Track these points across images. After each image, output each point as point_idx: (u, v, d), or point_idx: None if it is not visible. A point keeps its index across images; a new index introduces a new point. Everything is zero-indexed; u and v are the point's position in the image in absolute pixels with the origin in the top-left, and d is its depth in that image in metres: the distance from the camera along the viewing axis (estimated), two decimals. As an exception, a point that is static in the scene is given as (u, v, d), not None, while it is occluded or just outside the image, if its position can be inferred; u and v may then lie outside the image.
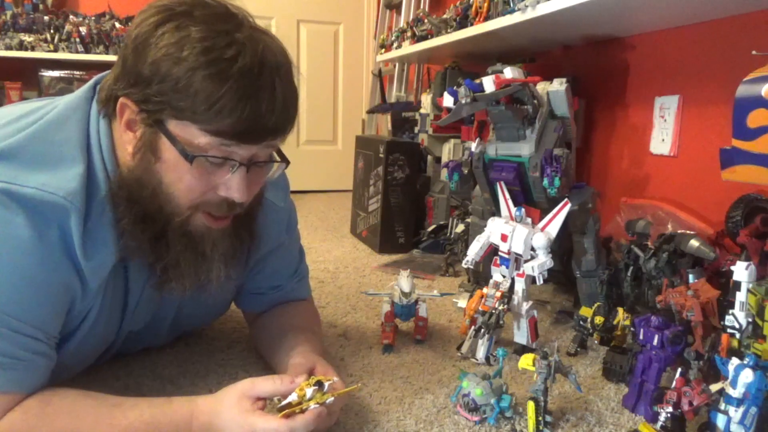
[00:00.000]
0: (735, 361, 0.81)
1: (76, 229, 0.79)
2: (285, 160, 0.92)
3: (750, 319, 0.91)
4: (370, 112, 3.39)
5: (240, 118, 0.77)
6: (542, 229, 1.23)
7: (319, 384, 0.81)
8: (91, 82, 0.91)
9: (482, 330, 1.18)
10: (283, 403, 0.81)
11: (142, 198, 0.83)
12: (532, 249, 1.21)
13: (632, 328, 1.12)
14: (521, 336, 1.24)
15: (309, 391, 0.80)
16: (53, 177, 0.79)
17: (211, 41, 0.76)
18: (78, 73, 3.28)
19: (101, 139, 0.85)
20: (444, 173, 2.13)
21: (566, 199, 1.23)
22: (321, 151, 3.84)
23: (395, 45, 2.64)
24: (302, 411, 0.80)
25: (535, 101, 1.36)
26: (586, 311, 1.25)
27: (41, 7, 3.32)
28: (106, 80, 0.86)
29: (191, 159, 0.79)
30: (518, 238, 1.21)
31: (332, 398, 0.82)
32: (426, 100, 2.43)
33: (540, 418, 0.92)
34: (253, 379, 0.84)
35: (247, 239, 0.96)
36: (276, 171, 0.92)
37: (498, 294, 1.21)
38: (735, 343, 0.93)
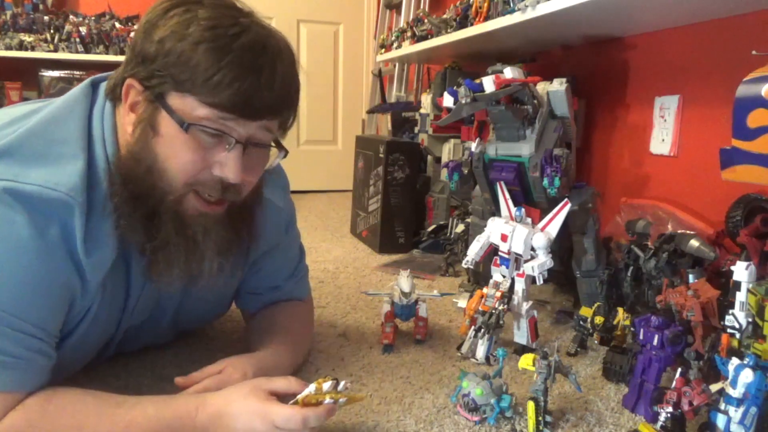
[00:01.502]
0: (735, 361, 0.81)
1: (79, 225, 0.79)
2: (284, 150, 0.92)
3: (750, 319, 0.91)
4: (370, 112, 3.39)
5: (238, 91, 0.79)
6: (542, 229, 1.23)
7: (336, 381, 0.83)
8: (88, 80, 0.92)
9: (482, 330, 1.18)
10: (302, 394, 0.82)
11: (137, 175, 0.83)
12: (532, 249, 1.21)
13: (632, 328, 1.12)
14: (521, 336, 1.24)
15: (326, 385, 0.82)
16: (55, 173, 0.79)
17: (216, 20, 0.80)
18: (78, 73, 3.28)
19: (104, 124, 0.86)
20: (444, 173, 2.13)
21: (566, 199, 1.23)
22: (321, 151, 3.84)
23: (395, 45, 2.64)
24: (318, 402, 0.81)
25: (535, 101, 1.36)
26: (586, 311, 1.25)
27: (41, 7, 3.32)
28: (115, 71, 0.88)
29: (186, 127, 0.80)
30: (518, 238, 1.21)
31: (344, 399, 0.84)
32: (426, 100, 2.43)
33: (540, 418, 0.92)
34: (268, 377, 0.87)
35: (243, 233, 0.95)
36: (274, 160, 0.92)
37: (498, 294, 1.21)
38: (735, 343, 0.93)
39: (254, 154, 0.87)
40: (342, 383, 0.84)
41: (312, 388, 0.81)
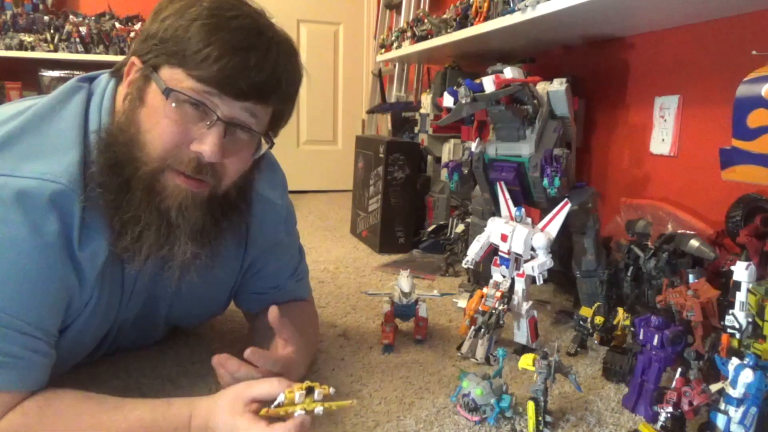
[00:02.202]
0: (735, 361, 0.81)
1: (77, 214, 0.79)
2: (270, 140, 0.91)
3: (750, 319, 0.91)
4: (370, 112, 3.39)
5: (224, 67, 0.79)
6: (542, 229, 1.23)
7: (310, 390, 0.77)
8: (74, 79, 0.92)
9: (482, 330, 1.18)
10: (271, 407, 0.78)
11: (117, 143, 0.83)
12: (532, 249, 1.21)
13: (632, 328, 1.12)
14: (521, 336, 1.24)
15: (297, 395, 0.77)
16: (52, 165, 0.79)
17: (219, 4, 0.82)
18: (78, 73, 3.26)
19: (103, 107, 0.87)
20: (444, 173, 2.13)
21: (566, 199, 1.23)
22: (321, 151, 3.84)
23: (395, 45, 2.64)
24: (287, 414, 0.76)
25: (535, 101, 1.36)
26: (586, 311, 1.25)
27: (41, 7, 3.32)
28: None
29: (167, 93, 0.80)
30: (518, 238, 1.21)
31: (321, 408, 0.77)
32: (426, 100, 2.43)
33: (540, 418, 0.92)
34: (251, 381, 0.83)
35: (223, 225, 0.92)
36: (259, 152, 0.90)
37: (498, 294, 1.21)
38: (735, 343, 0.93)
39: (237, 139, 0.86)
40: (317, 391, 0.77)
41: (281, 398, 0.77)
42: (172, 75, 0.81)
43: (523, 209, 1.27)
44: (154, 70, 0.82)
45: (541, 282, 1.18)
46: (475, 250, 1.28)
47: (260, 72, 0.81)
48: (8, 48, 3.12)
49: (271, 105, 0.87)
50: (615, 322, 1.22)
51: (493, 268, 1.27)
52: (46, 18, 3.24)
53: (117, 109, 0.87)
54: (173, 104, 0.81)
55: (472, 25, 1.84)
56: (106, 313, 0.94)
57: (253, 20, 0.83)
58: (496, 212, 1.40)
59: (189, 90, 0.80)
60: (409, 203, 2.19)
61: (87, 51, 3.24)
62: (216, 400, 0.82)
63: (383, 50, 2.80)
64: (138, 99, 0.83)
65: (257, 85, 0.82)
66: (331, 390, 0.80)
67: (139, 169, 0.82)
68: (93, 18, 3.30)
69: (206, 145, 0.81)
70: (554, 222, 1.23)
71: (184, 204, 0.84)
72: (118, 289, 0.95)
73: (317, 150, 3.81)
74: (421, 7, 2.99)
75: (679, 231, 1.29)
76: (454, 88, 1.35)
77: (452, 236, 1.93)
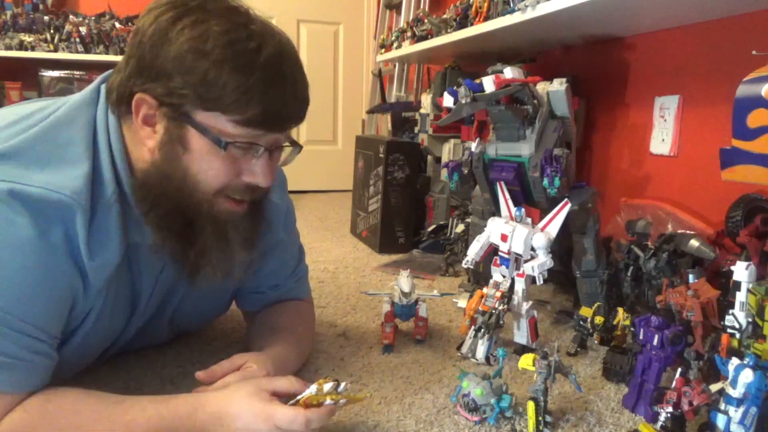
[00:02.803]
0: (735, 361, 0.81)
1: (81, 228, 0.79)
2: (297, 144, 0.95)
3: (750, 319, 0.91)
4: (370, 112, 3.39)
5: (268, 107, 0.82)
6: (542, 229, 1.23)
7: (336, 382, 0.83)
8: (95, 84, 0.91)
9: (482, 330, 1.18)
10: (299, 397, 0.82)
11: (169, 190, 0.84)
12: (532, 249, 1.21)
13: (632, 328, 1.12)
14: (521, 336, 1.24)
15: (327, 387, 0.82)
16: (58, 176, 0.79)
17: (233, 34, 0.80)
18: (78, 73, 3.28)
19: (111, 137, 0.86)
20: (444, 173, 2.13)
21: (566, 199, 1.23)
22: (321, 151, 3.84)
23: (395, 45, 2.64)
24: (319, 403, 0.82)
25: (535, 101, 1.36)
26: (586, 311, 1.25)
27: (41, 7, 3.32)
28: (113, 80, 0.86)
29: (225, 146, 0.82)
30: (518, 238, 1.21)
31: (344, 400, 0.84)
32: (426, 100, 2.43)
33: (540, 418, 0.92)
34: (269, 377, 0.87)
35: (262, 226, 0.97)
36: (290, 155, 0.95)
37: (498, 294, 1.21)
38: (735, 343, 0.93)
39: (276, 156, 0.91)
40: (342, 384, 0.84)
41: (313, 389, 0.82)
42: (213, 121, 0.81)
43: (523, 209, 1.27)
44: (188, 115, 0.81)
45: (541, 282, 1.18)
46: (475, 250, 1.28)
47: (295, 101, 0.85)
48: (8, 48, 3.13)
49: (303, 119, 0.91)
50: (615, 322, 1.22)
51: (493, 268, 1.27)
52: (46, 18, 3.25)
53: (137, 145, 0.86)
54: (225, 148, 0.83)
55: (472, 25, 1.84)
56: (113, 322, 0.95)
57: (270, 46, 0.82)
58: (496, 212, 1.40)
59: (236, 134, 0.82)
60: (409, 203, 2.18)
61: (87, 51, 3.24)
62: (232, 391, 0.83)
63: (383, 50, 2.80)
64: (179, 145, 0.83)
65: (296, 112, 0.87)
66: (348, 385, 0.86)
67: (200, 208, 0.86)
68: (93, 18, 3.30)
69: (260, 176, 0.87)
70: (554, 222, 1.22)
71: (237, 223, 0.90)
72: (129, 297, 0.96)
73: (317, 150, 3.81)
74: (421, 7, 2.99)
75: (679, 231, 1.29)
76: (454, 88, 1.35)
77: (452, 236, 1.93)
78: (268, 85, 0.81)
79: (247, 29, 0.81)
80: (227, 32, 0.79)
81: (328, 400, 0.82)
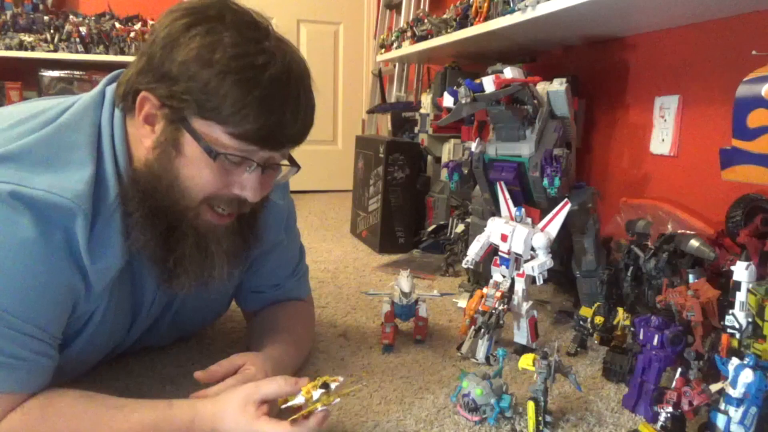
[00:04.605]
0: (735, 361, 0.81)
1: (81, 231, 0.79)
2: (296, 165, 0.94)
3: (750, 319, 0.91)
4: (370, 112, 3.39)
5: (264, 125, 0.80)
6: (542, 229, 1.23)
7: (325, 386, 0.81)
8: (100, 86, 0.91)
9: (482, 330, 1.18)
10: (289, 404, 0.80)
11: (157, 191, 0.84)
12: (532, 249, 1.21)
13: (632, 328, 1.12)
14: (521, 336, 1.24)
15: (316, 394, 0.80)
16: (60, 179, 0.79)
17: (242, 48, 0.79)
18: (78, 73, 3.28)
19: (115, 140, 0.86)
20: (444, 173, 2.13)
21: (566, 199, 1.23)
22: (321, 151, 3.84)
23: (395, 45, 2.64)
24: (309, 413, 0.79)
25: (535, 101, 1.36)
26: (586, 311, 1.25)
27: (41, 7, 3.32)
28: (124, 75, 0.87)
29: (215, 156, 0.81)
30: (518, 238, 1.21)
31: (338, 399, 0.82)
32: (426, 100, 2.43)
33: (540, 418, 0.92)
34: (257, 382, 0.84)
35: (250, 239, 0.97)
36: (286, 174, 0.95)
37: (498, 294, 1.21)
38: (735, 343, 0.93)
39: (270, 174, 0.90)
40: (333, 385, 0.81)
41: (301, 399, 0.80)
42: (208, 129, 0.81)
43: (523, 209, 1.27)
44: (186, 120, 0.81)
45: (541, 282, 1.18)
46: (475, 250, 1.28)
47: (295, 124, 0.84)
48: (8, 48, 3.13)
49: (302, 142, 0.90)
50: (615, 322, 1.22)
51: (493, 268, 1.27)
52: (46, 18, 3.25)
53: (136, 143, 0.86)
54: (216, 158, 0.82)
55: (472, 25, 1.84)
56: (115, 326, 0.95)
57: (280, 63, 0.81)
58: (496, 212, 1.39)
59: (229, 146, 0.82)
60: (409, 203, 2.18)
61: (87, 51, 3.24)
62: (223, 404, 0.82)
63: (383, 50, 2.80)
64: (173, 148, 0.83)
65: (293, 135, 0.86)
66: (340, 378, 0.83)
67: (184, 214, 0.86)
68: (93, 18, 3.30)
69: (248, 191, 0.86)
70: (554, 222, 1.22)
71: (220, 236, 0.90)
72: (130, 302, 0.96)
73: (317, 150, 3.81)
74: (421, 7, 2.99)
75: (679, 231, 1.29)
76: (454, 88, 1.35)
77: (452, 236, 1.93)
78: (269, 103, 0.80)
79: (260, 45, 0.81)
80: (237, 45, 0.79)
81: (320, 407, 0.80)
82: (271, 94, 0.80)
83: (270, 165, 0.88)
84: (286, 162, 0.92)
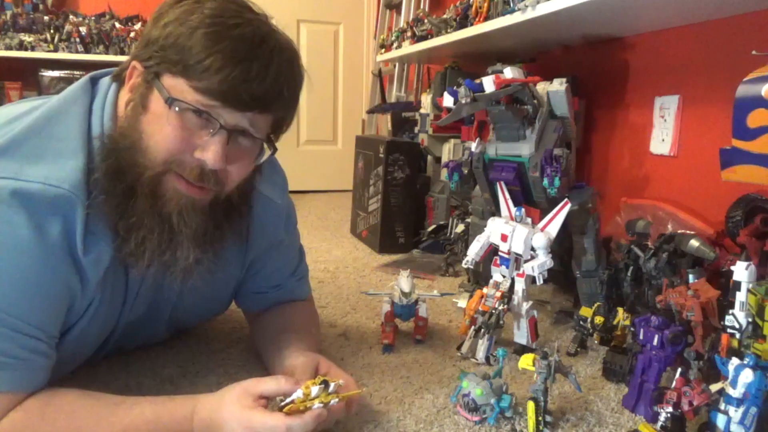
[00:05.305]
0: (735, 361, 0.81)
1: (80, 221, 0.79)
2: (273, 146, 0.92)
3: (750, 319, 0.91)
4: (370, 112, 3.39)
5: (225, 78, 0.79)
6: (542, 229, 1.23)
7: (325, 384, 0.81)
8: (87, 76, 0.92)
9: (482, 330, 1.18)
10: (287, 400, 0.80)
11: (120, 149, 0.83)
12: (532, 249, 1.21)
13: (632, 328, 1.12)
14: (521, 336, 1.24)
15: (314, 390, 0.80)
16: (55, 170, 0.79)
17: (220, 11, 0.81)
18: (78, 73, 3.28)
19: (105, 109, 0.87)
20: (444, 173, 2.13)
21: (566, 199, 1.23)
22: (321, 151, 3.84)
23: (395, 45, 2.64)
24: (306, 409, 0.79)
25: (535, 101, 1.36)
26: (586, 311, 1.25)
27: (41, 7, 3.32)
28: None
29: (170, 102, 0.80)
30: (518, 238, 1.21)
31: (336, 399, 0.81)
32: (426, 100, 2.43)
33: (540, 418, 0.92)
34: (258, 378, 0.84)
35: (225, 229, 0.93)
36: (261, 157, 0.91)
37: (498, 294, 1.21)
38: (735, 343, 0.93)
39: (240, 146, 0.86)
40: (332, 384, 0.81)
41: (299, 393, 0.79)
42: (174, 84, 0.81)
43: (523, 209, 1.27)
44: (156, 77, 0.82)
45: (541, 282, 1.18)
46: (475, 250, 1.28)
47: (262, 83, 0.81)
48: (8, 48, 3.13)
49: (273, 113, 0.87)
50: (615, 322, 1.22)
51: (493, 268, 1.27)
52: (46, 18, 3.25)
53: (119, 114, 0.87)
54: (176, 112, 0.80)
55: (472, 25, 1.84)
56: (107, 316, 0.94)
57: (254, 28, 0.82)
58: (496, 212, 1.39)
59: (193, 101, 0.80)
60: (409, 203, 2.18)
61: (87, 51, 3.25)
62: (222, 395, 0.82)
63: (383, 50, 2.80)
64: (141, 105, 0.83)
65: (259, 95, 0.82)
66: (340, 381, 0.83)
67: (142, 175, 0.82)
68: (93, 18, 3.31)
69: (209, 153, 0.82)
70: (554, 222, 1.22)
71: (185, 210, 0.85)
72: (121, 293, 0.95)
73: (317, 150, 3.81)
74: (421, 7, 2.99)
75: (679, 231, 1.29)
76: (454, 88, 1.35)
77: (452, 236, 1.93)
78: (234, 56, 0.79)
79: (240, 13, 0.82)
80: (216, 9, 0.81)
81: (317, 404, 0.79)
82: (238, 48, 0.79)
83: (236, 131, 0.83)
84: (256, 134, 0.86)
